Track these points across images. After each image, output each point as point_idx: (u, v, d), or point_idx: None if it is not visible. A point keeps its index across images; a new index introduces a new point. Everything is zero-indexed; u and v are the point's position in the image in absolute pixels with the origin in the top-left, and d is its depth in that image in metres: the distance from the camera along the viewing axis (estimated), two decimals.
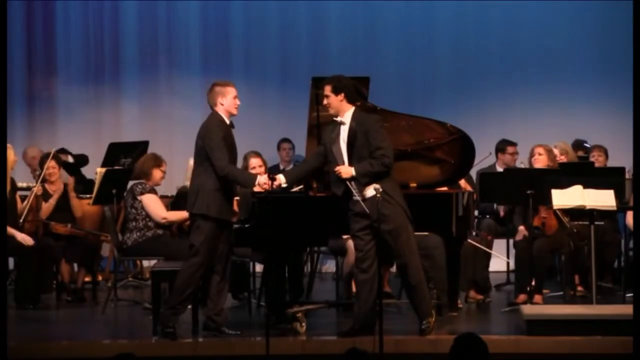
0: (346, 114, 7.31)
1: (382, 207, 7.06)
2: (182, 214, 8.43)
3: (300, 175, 7.65)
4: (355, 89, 7.40)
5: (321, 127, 7.82)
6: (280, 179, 7.39)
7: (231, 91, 7.48)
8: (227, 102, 7.44)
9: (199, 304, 7.70)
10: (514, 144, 10.30)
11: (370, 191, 7.16)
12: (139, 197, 8.63)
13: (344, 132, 7.29)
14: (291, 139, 11.19)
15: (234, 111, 7.49)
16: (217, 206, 7.29)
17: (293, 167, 7.58)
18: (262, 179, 7.33)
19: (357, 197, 7.17)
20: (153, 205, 8.62)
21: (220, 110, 7.44)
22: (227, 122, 7.46)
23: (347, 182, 7.18)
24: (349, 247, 8.39)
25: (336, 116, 7.31)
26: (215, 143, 7.31)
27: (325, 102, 7.33)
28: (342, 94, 7.29)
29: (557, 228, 8.64)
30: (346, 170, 7.20)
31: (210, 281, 7.43)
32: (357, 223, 7.24)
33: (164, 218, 8.61)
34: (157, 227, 8.61)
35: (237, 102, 7.50)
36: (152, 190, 8.70)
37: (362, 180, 7.18)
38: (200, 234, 7.29)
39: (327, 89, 7.30)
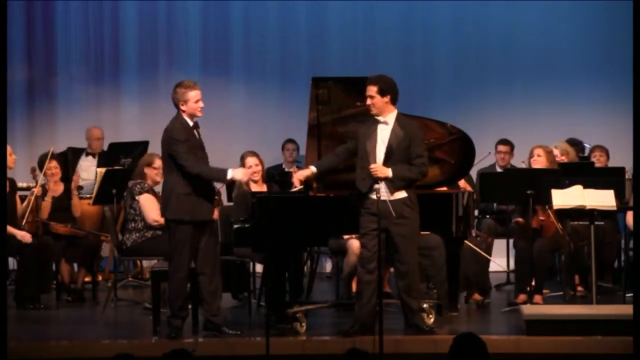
0: (389, 116, 7.33)
1: (405, 211, 7.14)
2: None
3: (331, 166, 7.59)
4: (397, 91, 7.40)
5: (321, 126, 7.82)
6: (312, 168, 7.41)
7: (193, 96, 7.38)
8: (189, 106, 7.38)
9: (199, 304, 7.70)
10: (506, 143, 10.29)
11: (400, 194, 7.20)
12: (137, 197, 8.63)
13: (384, 132, 7.29)
14: (292, 139, 11.18)
15: (198, 114, 7.40)
16: (190, 209, 7.30)
17: (324, 158, 7.53)
18: (239, 172, 7.37)
19: (385, 198, 7.15)
20: (147, 206, 8.58)
21: (184, 113, 7.40)
22: (191, 123, 7.40)
23: (378, 182, 7.18)
24: (349, 247, 8.40)
25: (377, 116, 7.30)
26: (178, 146, 7.28)
27: (369, 102, 7.31)
28: (389, 96, 7.32)
29: (555, 230, 8.64)
30: (383, 171, 7.20)
31: (200, 284, 7.45)
32: (372, 223, 7.20)
33: (155, 221, 8.54)
34: (156, 228, 8.60)
35: (200, 105, 7.39)
36: (151, 191, 8.68)
37: (397, 183, 7.20)
38: (175, 238, 7.33)
39: (373, 90, 7.30)
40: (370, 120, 7.36)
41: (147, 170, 8.74)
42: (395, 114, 7.34)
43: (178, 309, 7.39)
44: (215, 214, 7.66)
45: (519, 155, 9.98)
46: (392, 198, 7.20)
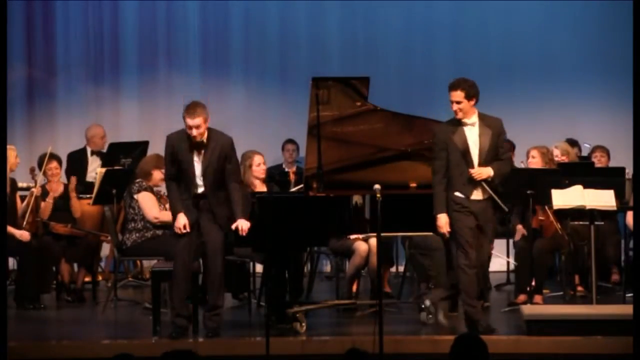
0: (472, 117, 7.36)
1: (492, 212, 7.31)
2: None
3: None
4: None
5: (321, 126, 7.82)
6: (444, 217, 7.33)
7: (185, 123, 7.45)
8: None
9: (199, 303, 7.70)
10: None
11: (486, 194, 7.31)
12: (135, 196, 8.63)
13: (473, 134, 7.34)
14: (292, 139, 11.18)
15: (192, 135, 7.40)
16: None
17: (442, 196, 7.42)
18: (182, 221, 7.39)
19: (495, 196, 7.26)
20: (147, 203, 8.58)
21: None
22: (186, 138, 7.44)
23: (482, 182, 7.25)
24: (356, 249, 8.40)
25: (462, 119, 7.33)
26: (164, 156, 7.60)
27: (455, 107, 7.32)
28: (474, 99, 7.34)
29: (555, 230, 8.64)
30: (486, 172, 7.28)
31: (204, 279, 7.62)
32: (471, 221, 7.28)
33: (156, 218, 8.56)
34: (156, 228, 8.60)
35: (192, 132, 7.37)
36: (149, 189, 8.67)
37: (496, 180, 7.30)
38: (172, 238, 7.55)
39: (460, 95, 7.31)
40: (451, 125, 7.36)
41: (154, 172, 8.72)
42: (476, 114, 7.39)
43: (178, 306, 7.45)
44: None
45: (519, 155, 9.99)
46: (481, 198, 7.31)
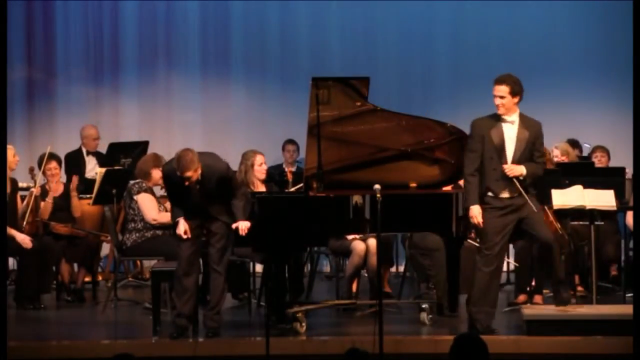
0: (514, 115, 7.36)
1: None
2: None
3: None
4: None
5: (321, 126, 7.81)
6: (476, 208, 7.30)
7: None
8: None
9: (199, 304, 7.70)
10: None
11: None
12: (134, 197, 8.63)
13: (511, 132, 7.34)
14: (293, 140, 11.18)
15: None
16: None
17: (475, 188, 7.41)
18: (182, 228, 7.39)
19: (525, 196, 7.24)
20: (146, 205, 8.58)
21: None
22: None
23: (514, 180, 7.24)
24: (354, 248, 8.40)
25: (504, 115, 7.34)
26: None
27: (498, 102, 7.33)
28: (518, 97, 7.37)
29: (555, 230, 8.63)
30: (518, 169, 7.26)
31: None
32: (499, 223, 7.29)
33: (155, 220, 8.57)
34: (156, 228, 8.60)
35: (186, 182, 7.31)
36: (149, 190, 8.67)
37: (528, 180, 7.29)
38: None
39: (504, 90, 7.33)
40: (490, 120, 7.37)
41: (153, 172, 8.72)
42: (518, 113, 7.39)
43: (178, 305, 7.46)
44: None
45: None
46: (508, 196, 7.29)
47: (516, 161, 7.29)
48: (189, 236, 7.39)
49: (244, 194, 7.52)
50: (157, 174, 8.69)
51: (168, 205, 7.96)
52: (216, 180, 7.38)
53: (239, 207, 7.39)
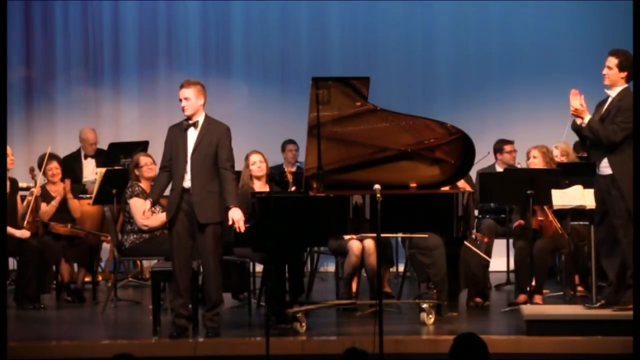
0: (616, 89, 7.39)
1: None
2: (161, 219, 8.40)
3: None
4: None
5: (321, 126, 7.81)
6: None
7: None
8: None
9: (199, 304, 7.70)
10: (510, 142, 10.29)
11: (606, 170, 7.38)
12: (128, 201, 8.66)
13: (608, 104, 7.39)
14: (293, 140, 11.18)
15: (181, 108, 7.54)
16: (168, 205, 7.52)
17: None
18: (143, 208, 7.54)
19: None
20: (137, 209, 8.52)
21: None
22: (183, 122, 7.52)
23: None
24: (350, 248, 8.40)
25: (608, 84, 7.39)
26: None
27: (605, 72, 7.39)
28: (626, 72, 7.37)
29: (554, 230, 8.64)
30: (583, 110, 7.37)
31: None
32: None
33: (145, 225, 8.58)
34: (145, 232, 8.61)
35: (180, 104, 7.51)
36: (142, 194, 8.64)
37: (586, 130, 7.31)
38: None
39: (613, 62, 7.38)
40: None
41: (136, 172, 8.77)
42: (621, 89, 7.37)
43: (175, 305, 7.47)
44: None
45: (519, 155, 9.99)
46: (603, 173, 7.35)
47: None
48: (148, 216, 7.58)
49: (232, 173, 7.46)
50: (144, 159, 8.75)
51: (165, 203, 7.92)
52: (211, 136, 7.39)
53: (229, 191, 7.32)
